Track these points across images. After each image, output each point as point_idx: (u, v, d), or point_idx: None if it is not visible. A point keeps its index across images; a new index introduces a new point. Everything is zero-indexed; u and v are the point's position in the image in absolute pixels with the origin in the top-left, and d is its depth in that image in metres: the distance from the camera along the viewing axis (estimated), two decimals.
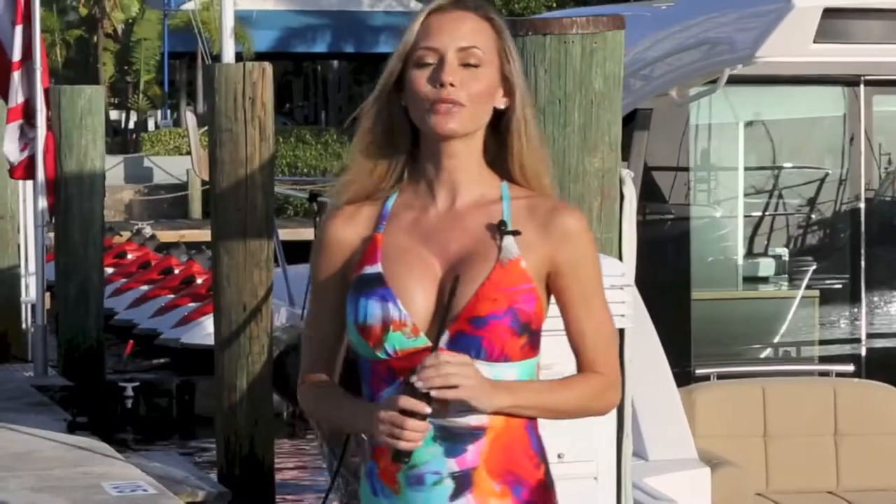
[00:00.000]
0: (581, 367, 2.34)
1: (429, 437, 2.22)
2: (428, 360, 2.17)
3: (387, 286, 2.26)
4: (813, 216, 6.43)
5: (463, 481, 2.24)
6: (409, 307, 2.25)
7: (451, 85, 2.24)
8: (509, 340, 2.24)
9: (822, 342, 6.21)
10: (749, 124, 6.39)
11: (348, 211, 2.32)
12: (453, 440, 2.23)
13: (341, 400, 2.31)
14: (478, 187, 2.30)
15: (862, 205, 6.16)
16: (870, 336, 6.14)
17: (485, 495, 2.25)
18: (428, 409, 2.15)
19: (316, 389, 2.35)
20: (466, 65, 2.26)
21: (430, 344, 2.23)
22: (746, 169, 6.39)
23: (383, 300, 2.25)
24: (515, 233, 2.26)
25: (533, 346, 2.28)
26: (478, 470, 2.24)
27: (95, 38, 33.01)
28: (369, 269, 2.28)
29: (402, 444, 2.17)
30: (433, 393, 2.16)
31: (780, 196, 6.44)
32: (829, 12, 5.25)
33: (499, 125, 2.32)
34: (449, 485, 2.24)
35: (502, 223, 2.27)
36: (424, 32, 2.27)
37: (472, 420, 2.23)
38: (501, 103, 2.30)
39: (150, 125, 33.66)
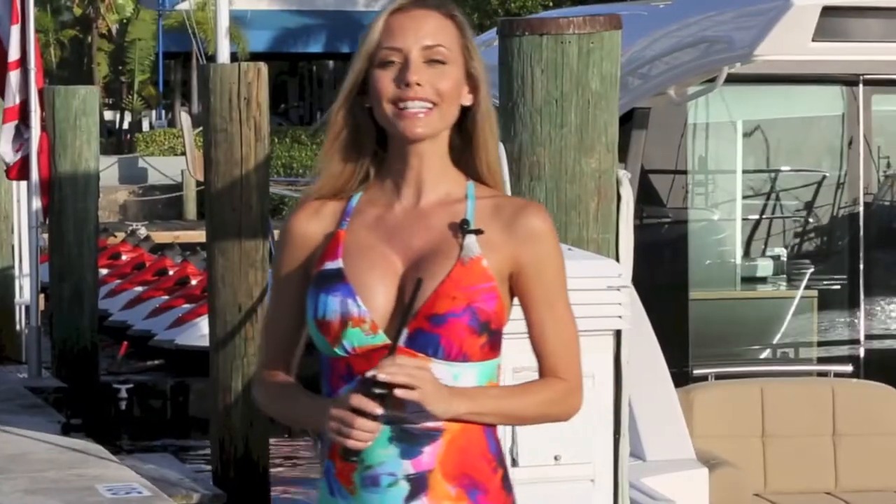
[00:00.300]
0: (543, 371, 2.31)
1: (384, 437, 2.20)
2: (385, 362, 2.16)
3: (347, 282, 2.25)
4: (811, 217, 6.41)
5: (418, 484, 2.22)
6: (369, 304, 2.24)
7: (418, 84, 2.23)
8: (468, 339, 2.22)
9: (821, 343, 6.19)
10: (747, 125, 6.37)
11: (313, 207, 2.32)
12: (409, 441, 2.22)
13: (298, 396, 2.30)
14: (443, 186, 2.30)
15: (861, 205, 6.14)
16: (868, 337, 6.13)
17: (440, 499, 2.22)
18: (379, 410, 2.14)
19: (272, 385, 2.34)
20: (432, 62, 2.25)
21: (388, 342, 2.22)
22: (745, 172, 6.37)
23: (343, 296, 2.24)
24: (478, 231, 2.26)
25: (493, 347, 2.26)
26: (433, 472, 2.22)
27: (90, 39, 32.95)
28: (330, 265, 2.27)
29: (351, 443, 2.15)
30: (396, 392, 2.14)
31: (779, 197, 6.42)
32: (828, 10, 5.24)
33: (463, 122, 2.31)
34: (404, 487, 2.22)
35: (465, 222, 2.26)
36: (387, 32, 2.26)
37: (428, 421, 2.21)
38: (467, 100, 2.30)
39: (145, 126, 33.60)
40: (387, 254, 2.27)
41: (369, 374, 2.15)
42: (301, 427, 2.43)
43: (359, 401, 2.14)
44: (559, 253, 2.31)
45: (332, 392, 2.27)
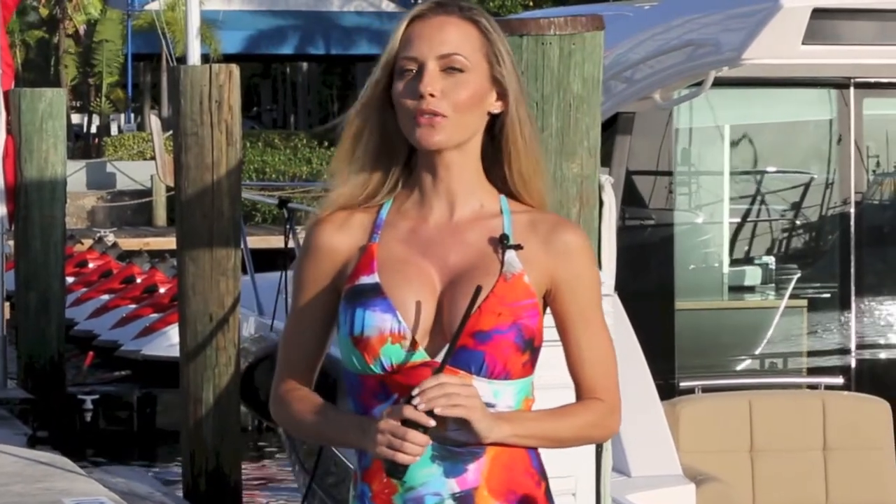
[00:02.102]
0: (581, 392, 2.29)
1: (426, 456, 2.17)
2: (428, 382, 2.12)
3: (385, 297, 2.20)
4: (801, 224, 6.35)
5: (464, 502, 2.20)
6: (408, 320, 2.20)
7: (431, 95, 2.20)
8: (512, 356, 2.20)
9: (811, 353, 6.13)
10: (735, 129, 6.28)
11: (339, 217, 2.26)
12: (453, 460, 2.19)
13: (327, 412, 2.25)
14: (476, 198, 2.26)
15: (852, 212, 6.06)
16: (860, 347, 6.06)
17: None
18: (432, 422, 2.11)
19: (295, 401, 2.27)
20: (449, 70, 2.21)
21: (428, 359, 2.18)
22: (733, 174, 6.28)
23: (382, 312, 2.20)
24: (517, 247, 2.23)
25: (533, 364, 2.25)
26: (479, 490, 2.20)
27: (56, 40, 32.73)
28: (366, 280, 2.22)
29: (401, 458, 2.12)
30: (437, 410, 2.11)
31: (767, 202, 6.34)
32: (818, 13, 5.18)
33: (493, 130, 2.27)
34: None
35: (504, 237, 2.23)
36: (406, 41, 2.23)
37: (469, 442, 2.18)
38: (496, 108, 2.25)
39: (114, 129, 33.38)
40: (423, 268, 2.23)
41: (419, 406, 2.10)
42: (331, 445, 2.35)
43: (411, 412, 2.10)
44: (595, 271, 2.29)
45: (363, 412, 2.22)
